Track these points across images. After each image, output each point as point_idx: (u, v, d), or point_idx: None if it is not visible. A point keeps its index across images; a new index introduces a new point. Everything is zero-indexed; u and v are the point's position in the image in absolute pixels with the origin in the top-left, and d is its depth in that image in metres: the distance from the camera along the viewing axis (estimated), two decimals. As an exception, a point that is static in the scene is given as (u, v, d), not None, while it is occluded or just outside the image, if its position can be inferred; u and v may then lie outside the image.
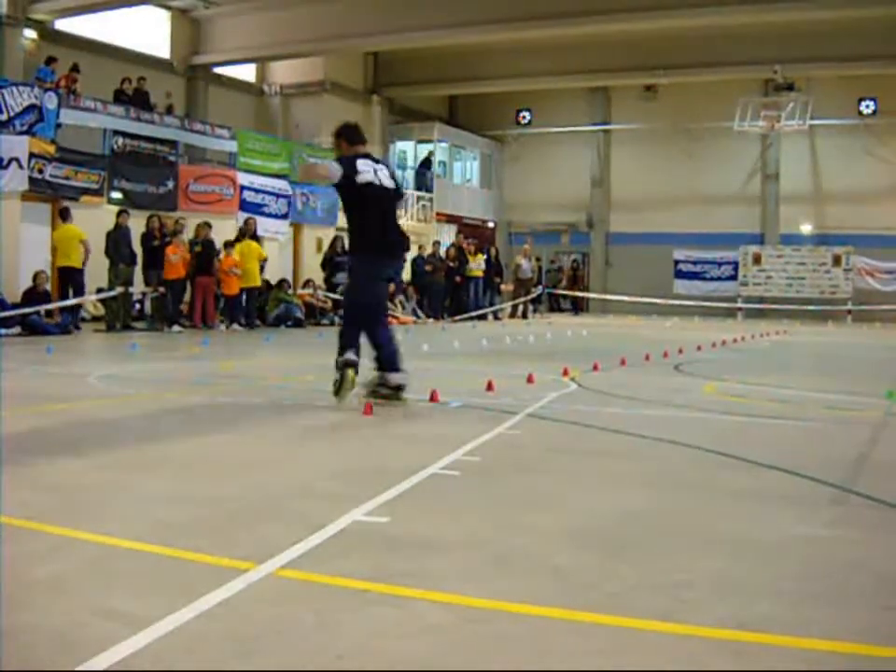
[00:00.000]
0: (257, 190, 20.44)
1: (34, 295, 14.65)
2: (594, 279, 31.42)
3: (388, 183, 6.74)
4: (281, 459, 4.74)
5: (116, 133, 17.85)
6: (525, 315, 25.28)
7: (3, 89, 15.53)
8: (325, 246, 21.20)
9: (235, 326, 17.13)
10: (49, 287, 15.26)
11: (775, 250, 28.45)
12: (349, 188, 6.55)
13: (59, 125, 16.55)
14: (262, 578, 2.73)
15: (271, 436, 5.50)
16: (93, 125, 17.58)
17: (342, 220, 8.07)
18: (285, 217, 21.30)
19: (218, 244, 17.36)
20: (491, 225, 32.04)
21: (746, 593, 2.70)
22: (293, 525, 3.29)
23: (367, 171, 6.58)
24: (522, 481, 4.30)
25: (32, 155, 15.63)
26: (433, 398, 6.75)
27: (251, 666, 2.12)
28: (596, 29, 22.60)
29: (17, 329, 13.87)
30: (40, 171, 15.83)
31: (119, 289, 15.47)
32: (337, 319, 17.15)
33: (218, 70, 24.88)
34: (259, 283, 18.00)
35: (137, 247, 16.21)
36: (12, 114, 15.57)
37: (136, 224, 16.41)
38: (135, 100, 19.31)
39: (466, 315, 22.84)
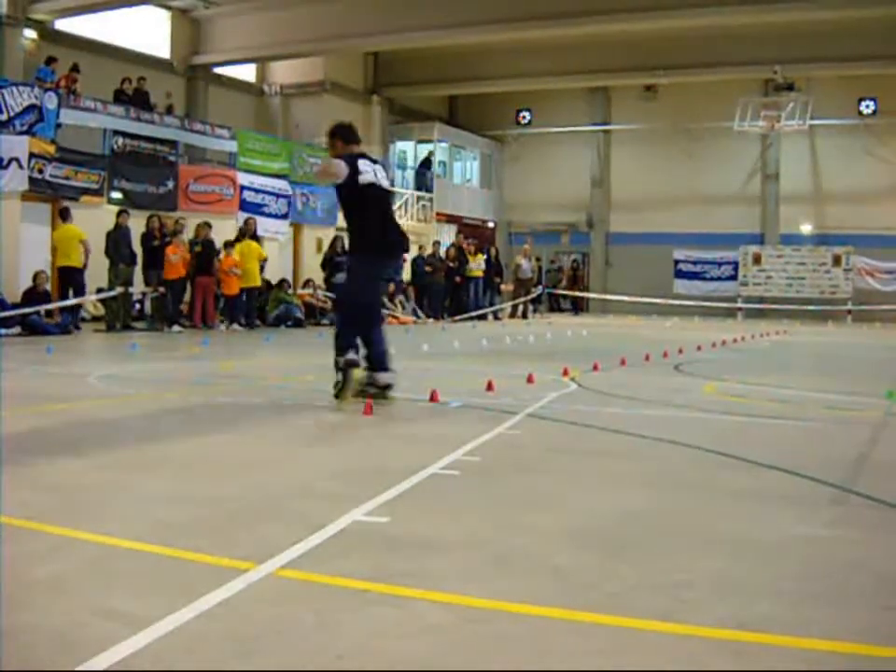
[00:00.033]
0: (257, 190, 20.44)
1: (34, 295, 14.64)
2: (594, 279, 31.42)
3: (386, 183, 6.81)
4: (281, 459, 4.74)
5: (116, 132, 17.85)
6: (524, 315, 25.26)
7: (3, 89, 15.53)
8: (325, 246, 21.17)
9: (235, 326, 17.13)
10: (49, 287, 15.25)
11: (775, 250, 28.45)
12: (351, 188, 6.55)
13: (59, 125, 16.55)
14: (262, 578, 2.73)
15: (271, 436, 5.50)
16: (93, 125, 17.58)
17: (342, 220, 8.06)
18: (285, 217, 21.30)
19: (218, 244, 17.35)
20: (491, 225, 32.02)
21: (746, 593, 2.70)
22: (293, 525, 3.29)
23: (367, 171, 6.60)
24: (522, 481, 4.30)
25: (32, 155, 15.64)
26: (433, 398, 6.75)
27: (251, 666, 2.12)
28: (596, 29, 22.61)
29: (17, 329, 13.86)
30: (40, 171, 15.83)
31: (119, 289, 15.47)
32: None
33: (218, 70, 24.89)
34: (258, 283, 18.00)
35: (137, 247, 16.21)
36: (12, 114, 15.57)
37: (136, 224, 16.40)
38: (135, 100, 19.31)
39: (466, 315, 22.83)
